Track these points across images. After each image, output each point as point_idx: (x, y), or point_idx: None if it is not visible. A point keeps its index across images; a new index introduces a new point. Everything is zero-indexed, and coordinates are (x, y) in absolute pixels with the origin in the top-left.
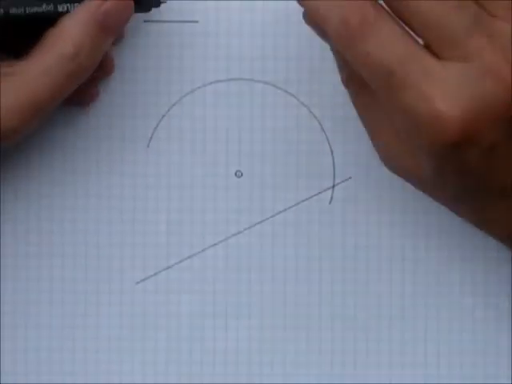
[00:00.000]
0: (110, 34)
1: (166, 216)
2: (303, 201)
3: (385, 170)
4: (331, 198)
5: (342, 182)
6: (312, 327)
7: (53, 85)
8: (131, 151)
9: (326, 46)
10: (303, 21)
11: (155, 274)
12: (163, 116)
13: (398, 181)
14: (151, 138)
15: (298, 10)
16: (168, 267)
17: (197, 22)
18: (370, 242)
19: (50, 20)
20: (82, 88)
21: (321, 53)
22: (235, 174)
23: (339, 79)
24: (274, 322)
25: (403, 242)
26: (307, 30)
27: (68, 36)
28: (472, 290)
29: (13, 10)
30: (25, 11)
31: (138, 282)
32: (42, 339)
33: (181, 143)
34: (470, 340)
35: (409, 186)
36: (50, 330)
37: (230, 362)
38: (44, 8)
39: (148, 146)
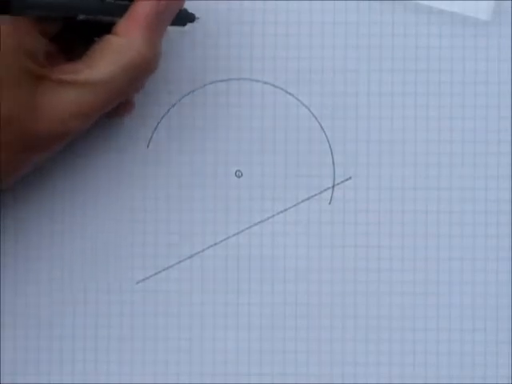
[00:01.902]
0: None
1: (165, 216)
2: (303, 201)
3: (385, 170)
4: (331, 197)
5: (342, 182)
6: (312, 327)
7: (117, 92)
8: (131, 152)
9: (326, 46)
10: (303, 21)
11: (155, 273)
12: (163, 116)
13: (397, 181)
14: (151, 138)
15: (298, 10)
16: (168, 267)
17: (196, 21)
18: (370, 242)
19: (106, 26)
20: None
21: (321, 53)
22: (235, 173)
23: (339, 79)
24: (274, 322)
25: (403, 241)
26: (307, 30)
27: (134, 46)
28: (472, 290)
29: (89, 17)
30: (94, 18)
31: (138, 282)
32: (42, 339)
33: (181, 143)
34: (470, 340)
35: (408, 186)
36: (49, 329)
37: (230, 361)
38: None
39: (148, 146)
